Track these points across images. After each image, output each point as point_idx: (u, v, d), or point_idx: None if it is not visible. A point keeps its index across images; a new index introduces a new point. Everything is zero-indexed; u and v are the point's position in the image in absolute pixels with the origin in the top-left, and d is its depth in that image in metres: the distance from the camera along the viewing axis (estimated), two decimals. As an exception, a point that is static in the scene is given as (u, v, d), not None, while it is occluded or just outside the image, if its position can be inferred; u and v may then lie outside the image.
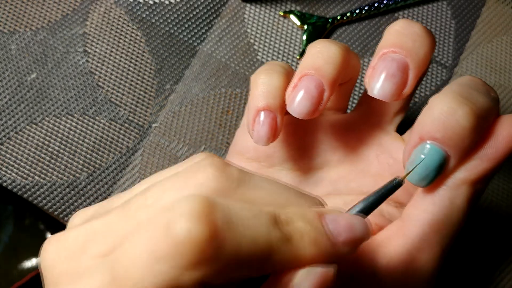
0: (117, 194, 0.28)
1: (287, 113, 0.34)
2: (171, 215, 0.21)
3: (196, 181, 0.24)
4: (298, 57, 0.53)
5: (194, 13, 0.52)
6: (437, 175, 0.29)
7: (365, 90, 0.34)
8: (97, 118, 0.49)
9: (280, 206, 0.24)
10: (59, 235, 0.26)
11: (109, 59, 0.50)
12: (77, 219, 0.28)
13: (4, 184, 0.47)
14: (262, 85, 0.34)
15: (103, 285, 0.22)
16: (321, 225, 0.24)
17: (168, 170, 0.27)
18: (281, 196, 0.26)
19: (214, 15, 0.53)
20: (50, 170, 0.47)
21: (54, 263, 0.25)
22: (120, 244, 0.23)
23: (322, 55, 0.33)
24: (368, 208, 0.28)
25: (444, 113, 0.28)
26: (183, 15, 0.52)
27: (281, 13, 0.53)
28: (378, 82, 0.31)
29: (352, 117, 0.39)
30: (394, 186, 0.29)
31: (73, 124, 0.48)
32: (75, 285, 0.23)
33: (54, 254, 0.25)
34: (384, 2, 0.54)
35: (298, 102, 0.33)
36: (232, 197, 0.24)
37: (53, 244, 0.25)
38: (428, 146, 0.29)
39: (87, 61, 0.50)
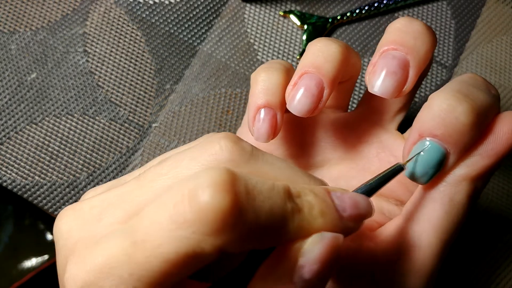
0: (128, 173, 0.29)
1: (287, 111, 0.35)
2: (195, 183, 0.22)
3: (211, 152, 0.25)
4: (298, 57, 0.53)
5: (194, 13, 0.53)
6: (436, 172, 0.29)
7: (367, 89, 0.34)
8: (97, 118, 0.49)
9: (291, 182, 0.25)
10: (75, 205, 0.27)
11: (109, 59, 0.50)
12: (89, 195, 0.29)
13: (4, 184, 0.47)
14: (262, 82, 0.35)
15: (123, 248, 0.22)
16: (330, 199, 0.25)
17: (181, 147, 0.28)
18: (290, 174, 0.27)
19: (214, 15, 0.53)
20: (50, 170, 0.47)
21: (70, 231, 0.26)
22: (137, 211, 0.24)
23: (322, 53, 0.33)
24: (370, 190, 0.28)
25: (443, 110, 0.28)
26: (183, 15, 0.52)
27: (281, 13, 0.53)
28: (378, 79, 0.31)
29: (353, 115, 0.39)
30: (395, 170, 0.29)
31: (73, 124, 0.48)
32: (93, 249, 0.24)
33: (70, 223, 0.26)
34: (384, 2, 0.54)
35: (298, 100, 0.33)
36: (244, 169, 0.25)
37: (68, 214, 0.26)
38: (427, 143, 0.29)
39: (87, 61, 0.50)
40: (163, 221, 0.22)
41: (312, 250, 0.23)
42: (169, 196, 0.22)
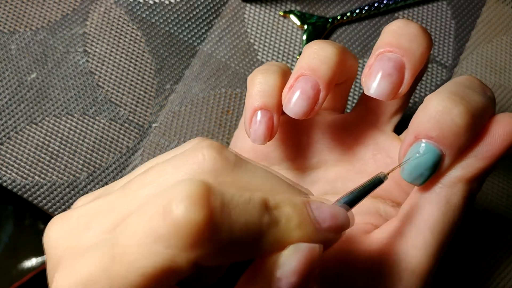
0: (117, 180, 0.29)
1: (284, 113, 0.35)
2: (169, 197, 0.21)
3: (194, 161, 0.25)
4: (298, 57, 0.53)
5: (194, 13, 0.53)
6: (432, 174, 0.29)
7: (363, 91, 0.34)
8: (97, 118, 0.49)
9: (271, 192, 0.25)
10: (63, 214, 0.27)
11: (109, 59, 0.50)
12: (79, 203, 0.29)
13: (4, 184, 0.47)
14: (259, 84, 0.35)
15: (103, 262, 0.23)
16: (306, 211, 0.25)
17: (166, 154, 0.28)
18: (271, 183, 0.26)
19: (214, 15, 0.53)
20: (50, 170, 0.48)
21: (58, 240, 0.26)
22: (123, 220, 0.24)
23: (318, 56, 0.33)
24: (352, 201, 0.28)
25: (439, 112, 0.28)
26: (183, 15, 0.52)
27: (281, 13, 0.53)
28: (374, 81, 0.31)
29: (349, 117, 0.39)
30: (377, 181, 0.29)
31: (73, 124, 0.49)
32: (77, 261, 0.24)
33: (58, 232, 0.26)
34: (384, 2, 0.54)
35: (294, 102, 0.33)
36: (226, 179, 0.25)
37: (57, 222, 0.26)
38: (423, 144, 0.29)
39: (87, 61, 0.50)
40: (140, 235, 0.22)
41: (288, 262, 0.23)
42: (145, 209, 0.22)
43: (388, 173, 0.29)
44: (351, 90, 0.53)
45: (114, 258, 0.22)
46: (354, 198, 0.28)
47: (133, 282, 0.22)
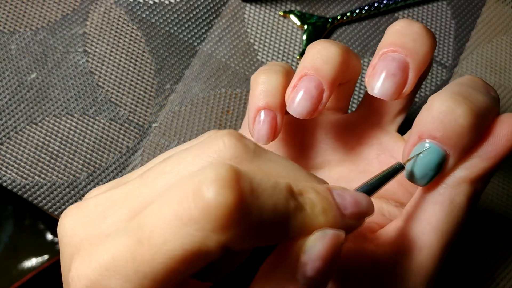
0: (130, 172, 0.29)
1: (287, 113, 0.35)
2: (199, 180, 0.22)
3: (215, 149, 0.25)
4: (298, 57, 0.53)
5: (194, 13, 0.52)
6: (436, 174, 0.29)
7: (367, 90, 0.34)
8: (97, 118, 0.49)
9: (292, 180, 0.25)
10: (79, 203, 0.27)
11: (109, 59, 0.50)
12: (94, 193, 0.29)
13: (4, 184, 0.47)
14: (262, 84, 0.35)
15: (128, 247, 0.22)
16: (331, 197, 0.25)
17: (182, 145, 0.28)
18: (292, 172, 0.27)
19: (214, 15, 0.53)
20: (50, 170, 0.47)
21: (74, 229, 0.26)
22: (142, 209, 0.24)
23: (322, 56, 0.33)
24: (370, 189, 0.28)
25: (443, 112, 0.28)
26: (183, 15, 0.52)
27: (281, 13, 0.53)
28: (378, 81, 0.31)
29: (353, 117, 0.39)
30: (396, 169, 0.29)
31: (73, 124, 0.48)
32: (98, 248, 0.24)
33: (74, 221, 0.26)
34: (384, 2, 0.54)
35: (298, 102, 0.33)
36: (247, 166, 0.25)
37: (73, 212, 0.26)
38: (427, 145, 0.29)
39: (87, 61, 0.50)
40: (168, 218, 0.22)
41: (314, 247, 0.23)
42: (174, 193, 0.22)
43: (405, 162, 0.29)
44: (355, 90, 0.53)
45: (141, 241, 0.22)
46: (373, 186, 0.28)
47: (160, 265, 0.22)
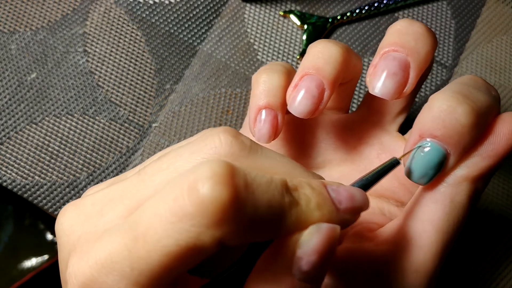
0: (128, 170, 0.29)
1: (288, 112, 0.35)
2: (194, 176, 0.22)
3: (211, 145, 0.25)
4: (298, 57, 0.53)
5: (194, 13, 0.53)
6: (437, 173, 0.29)
7: (368, 90, 0.34)
8: (97, 118, 0.49)
9: (288, 176, 0.25)
10: (77, 201, 0.27)
11: (109, 59, 0.50)
12: (91, 191, 0.29)
13: (4, 184, 0.47)
14: (263, 84, 0.35)
15: (124, 243, 0.23)
16: (326, 192, 0.25)
17: (181, 142, 0.29)
18: (288, 167, 0.27)
19: (214, 15, 0.53)
20: (50, 170, 0.47)
21: (72, 227, 0.26)
22: (138, 206, 0.24)
23: (323, 55, 0.34)
24: (366, 184, 0.29)
25: (443, 111, 0.28)
26: (183, 15, 0.52)
27: (281, 13, 0.53)
28: (379, 80, 0.31)
29: (353, 117, 0.39)
30: (391, 165, 0.29)
31: (73, 124, 0.48)
32: (95, 245, 0.24)
33: (72, 219, 0.26)
34: (384, 2, 0.54)
35: (299, 101, 0.33)
36: (243, 162, 0.25)
37: (70, 209, 0.27)
38: (428, 143, 0.29)
39: (87, 61, 0.50)
40: (164, 215, 0.22)
41: (310, 241, 0.24)
42: (169, 189, 0.22)
43: (401, 158, 0.29)
44: (356, 89, 0.53)
45: (136, 238, 0.22)
46: (369, 181, 0.29)
47: (156, 261, 0.22)
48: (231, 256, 0.31)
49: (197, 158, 0.25)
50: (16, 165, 0.47)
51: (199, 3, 0.53)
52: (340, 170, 0.38)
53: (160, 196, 0.22)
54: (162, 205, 0.22)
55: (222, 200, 0.21)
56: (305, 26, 0.53)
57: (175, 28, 0.52)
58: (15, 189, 0.47)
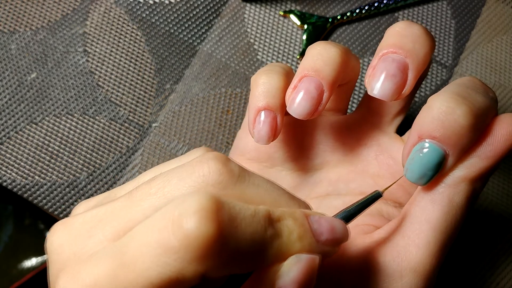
0: (119, 186, 0.29)
1: (287, 113, 0.35)
2: (181, 210, 0.22)
3: (199, 173, 0.25)
4: (298, 57, 0.53)
5: (194, 13, 0.53)
6: (435, 174, 0.29)
7: (366, 91, 0.35)
8: (97, 118, 0.49)
9: (273, 205, 0.25)
10: (66, 220, 0.27)
11: (109, 59, 0.50)
12: (80, 209, 0.29)
13: (4, 184, 0.47)
14: (263, 85, 0.35)
15: (111, 270, 0.23)
16: (307, 224, 0.25)
17: (170, 163, 0.29)
18: (274, 196, 0.27)
19: (214, 15, 0.53)
20: (50, 170, 0.47)
21: (61, 246, 0.26)
22: (126, 229, 0.25)
23: (322, 57, 0.34)
24: (348, 216, 0.29)
25: (442, 112, 0.28)
26: (183, 15, 0.52)
27: (281, 13, 0.53)
28: (378, 81, 0.31)
29: (352, 118, 0.39)
30: (374, 197, 0.30)
31: (73, 124, 0.48)
32: (83, 267, 0.24)
33: (61, 238, 0.26)
34: (384, 2, 0.54)
35: (298, 102, 0.33)
36: (230, 191, 0.25)
37: (60, 229, 0.27)
38: (427, 144, 0.29)
39: (87, 60, 0.50)
40: (150, 246, 0.22)
41: (289, 272, 0.24)
42: (156, 220, 0.22)
43: (383, 191, 0.30)
44: (354, 90, 0.53)
45: (123, 265, 0.22)
46: (351, 213, 0.29)
47: None
48: (213, 282, 0.32)
49: (185, 186, 0.25)
50: (16, 165, 0.47)
51: (199, 3, 0.53)
52: (338, 171, 0.38)
53: (147, 226, 0.23)
54: (149, 235, 0.22)
55: (206, 236, 0.21)
56: (305, 26, 0.53)
57: (175, 28, 0.52)
58: (15, 189, 0.47)
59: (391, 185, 0.30)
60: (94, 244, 0.25)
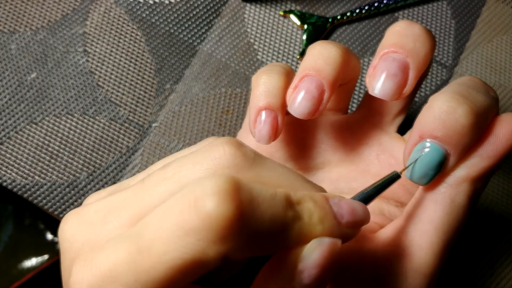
0: (130, 177, 0.29)
1: (288, 113, 0.35)
2: (200, 191, 0.22)
3: (214, 156, 0.25)
4: (298, 57, 0.53)
5: (194, 13, 0.53)
6: (437, 173, 0.29)
7: (367, 91, 0.34)
8: (97, 118, 0.49)
9: (290, 188, 0.25)
10: (79, 209, 0.27)
11: (109, 59, 0.50)
12: (91, 199, 0.29)
13: (4, 184, 0.47)
14: (263, 85, 0.35)
15: (129, 255, 0.23)
16: (328, 206, 0.25)
17: (180, 153, 0.29)
18: (290, 180, 0.27)
19: (214, 15, 0.53)
20: (50, 170, 0.47)
21: (75, 235, 0.26)
22: (142, 215, 0.24)
23: (323, 56, 0.34)
24: (367, 198, 0.29)
25: (444, 111, 0.28)
26: (183, 15, 0.52)
27: (281, 13, 0.53)
28: (379, 81, 0.31)
29: (353, 118, 0.39)
30: (392, 178, 0.29)
31: (73, 124, 0.48)
32: (98, 255, 0.24)
33: (75, 227, 0.26)
34: (384, 2, 0.54)
35: (299, 102, 0.33)
36: (247, 174, 0.25)
37: (72, 218, 0.26)
38: (428, 144, 0.29)
39: (87, 60, 0.50)
40: (169, 228, 0.22)
41: (311, 255, 0.24)
42: (175, 202, 0.22)
43: (401, 171, 0.30)
44: (355, 90, 0.53)
45: (141, 250, 0.22)
46: (369, 195, 0.29)
47: (161, 274, 0.22)
48: (231, 267, 0.31)
49: (200, 169, 0.25)
50: (16, 165, 0.47)
51: (199, 3, 0.53)
52: (339, 171, 0.38)
53: (165, 209, 0.22)
54: (168, 218, 0.22)
55: (228, 216, 0.21)
56: (305, 26, 0.53)
57: (175, 28, 0.52)
58: (15, 189, 0.47)
59: (408, 166, 0.30)
60: (108, 231, 0.25)
